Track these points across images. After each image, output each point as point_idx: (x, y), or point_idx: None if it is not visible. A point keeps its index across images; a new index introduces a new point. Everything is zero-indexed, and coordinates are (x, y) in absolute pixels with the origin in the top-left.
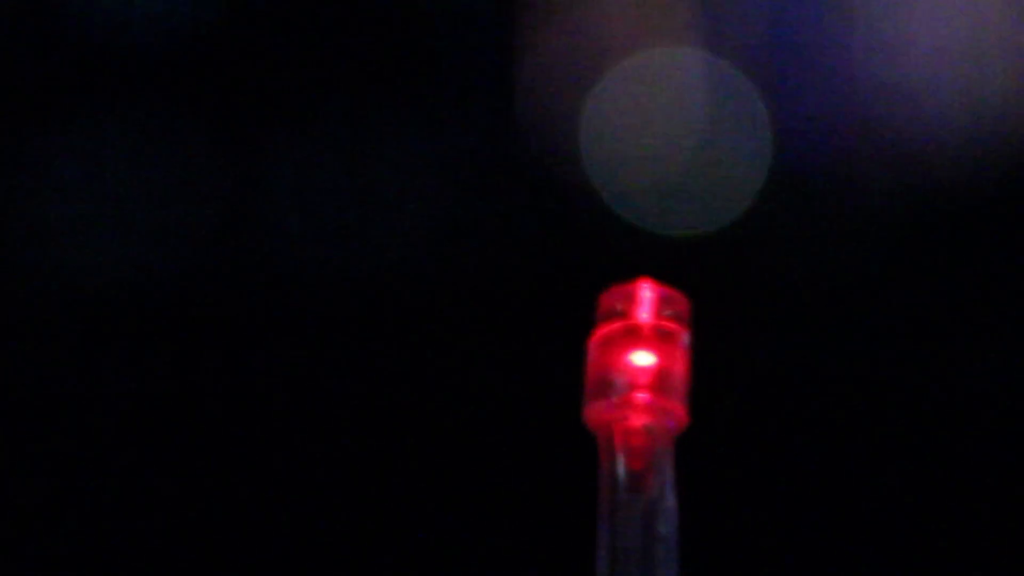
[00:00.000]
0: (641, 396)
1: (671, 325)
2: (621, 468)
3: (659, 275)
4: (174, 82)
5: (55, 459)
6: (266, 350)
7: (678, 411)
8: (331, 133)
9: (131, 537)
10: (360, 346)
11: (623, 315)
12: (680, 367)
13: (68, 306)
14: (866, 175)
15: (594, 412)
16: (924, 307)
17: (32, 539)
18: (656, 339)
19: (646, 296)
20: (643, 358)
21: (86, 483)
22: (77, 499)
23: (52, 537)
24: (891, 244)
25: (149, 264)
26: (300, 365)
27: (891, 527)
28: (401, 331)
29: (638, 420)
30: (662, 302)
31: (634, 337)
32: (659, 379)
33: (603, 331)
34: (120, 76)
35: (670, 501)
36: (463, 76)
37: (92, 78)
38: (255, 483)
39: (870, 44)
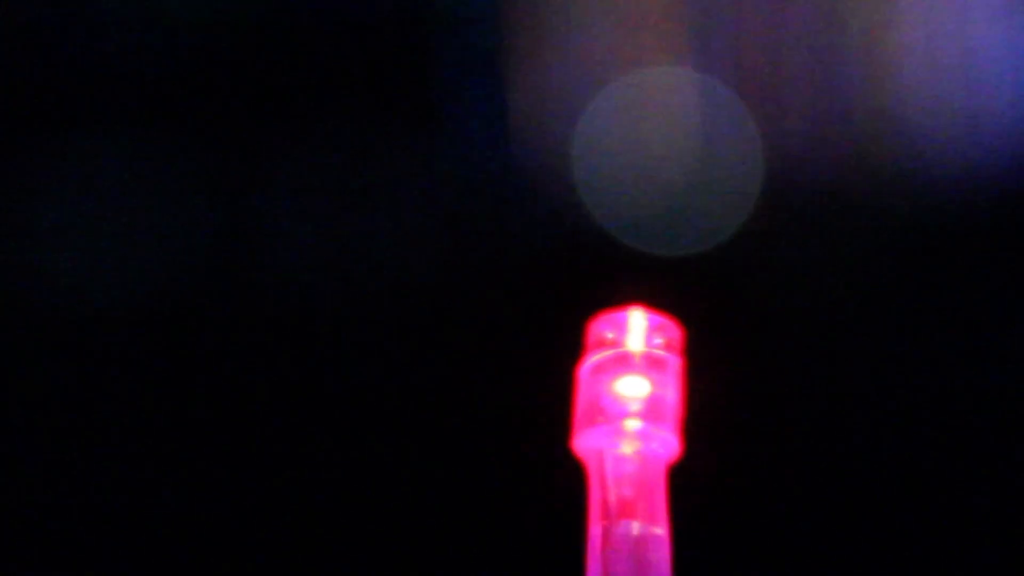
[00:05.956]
0: (632, 423)
1: (663, 352)
2: (612, 496)
3: (649, 295)
4: (170, 90)
5: (52, 464)
6: (258, 361)
7: (670, 439)
8: (323, 150)
9: (131, 539)
10: (346, 365)
11: (614, 343)
12: (673, 395)
13: (68, 317)
14: (858, 194)
15: (584, 440)
16: (921, 327)
17: (32, 540)
18: (648, 366)
19: (637, 323)
20: (635, 385)
21: (82, 489)
22: (73, 505)
23: (51, 538)
24: (884, 264)
25: (146, 273)
26: (286, 381)
27: (889, 556)
28: (386, 355)
29: (628, 447)
30: (654, 329)
31: (625, 364)
32: (651, 406)
33: (593, 358)
34: (117, 85)
35: (661, 529)
36: (455, 96)
37: (87, 87)
38: (247, 491)
39: (862, 63)
